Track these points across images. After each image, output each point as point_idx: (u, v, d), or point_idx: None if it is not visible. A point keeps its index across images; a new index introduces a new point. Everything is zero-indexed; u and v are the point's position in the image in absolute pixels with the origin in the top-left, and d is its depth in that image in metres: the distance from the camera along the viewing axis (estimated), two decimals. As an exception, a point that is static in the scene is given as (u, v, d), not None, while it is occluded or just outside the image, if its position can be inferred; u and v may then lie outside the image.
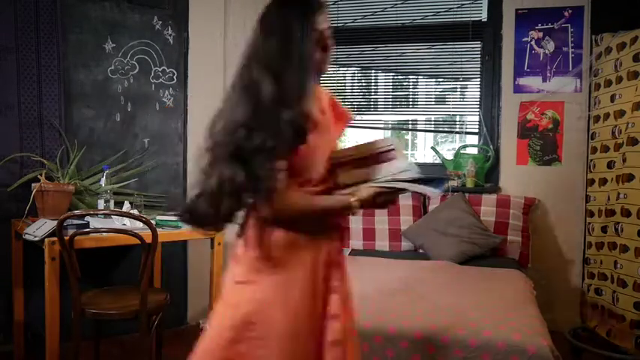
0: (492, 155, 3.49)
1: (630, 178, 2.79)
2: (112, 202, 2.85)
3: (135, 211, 2.72)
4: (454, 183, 3.44)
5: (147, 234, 2.14)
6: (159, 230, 2.45)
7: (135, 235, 2.11)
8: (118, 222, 2.38)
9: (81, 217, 2.27)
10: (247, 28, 3.55)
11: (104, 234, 2.22)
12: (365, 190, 1.24)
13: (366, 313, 1.96)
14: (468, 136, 3.74)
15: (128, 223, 2.36)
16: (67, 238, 2.05)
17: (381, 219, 3.46)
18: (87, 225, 2.25)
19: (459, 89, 3.86)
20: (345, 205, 1.23)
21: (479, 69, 3.62)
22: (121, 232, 2.17)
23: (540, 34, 3.40)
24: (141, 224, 2.18)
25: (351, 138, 7.84)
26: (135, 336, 2.26)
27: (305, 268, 1.25)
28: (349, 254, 3.26)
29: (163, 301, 2.30)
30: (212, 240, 2.54)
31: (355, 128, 4.30)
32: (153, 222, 2.21)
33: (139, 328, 2.17)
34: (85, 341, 2.58)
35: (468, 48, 3.67)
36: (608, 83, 3.09)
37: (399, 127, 4.88)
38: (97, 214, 2.43)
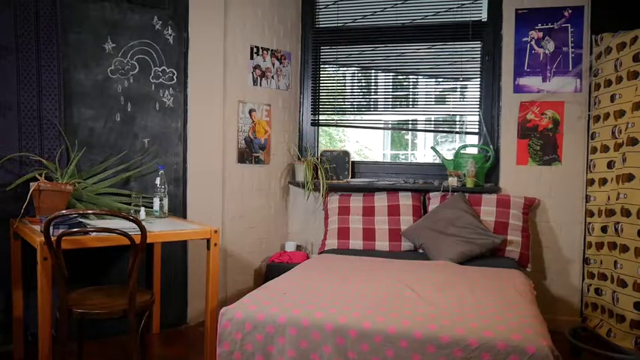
0: (492, 155, 3.49)
1: (630, 178, 2.79)
2: (166, 201, 2.87)
3: (144, 214, 2.73)
4: (454, 183, 3.44)
5: (145, 233, 2.14)
6: (159, 230, 2.46)
7: (124, 234, 2.10)
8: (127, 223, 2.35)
9: (83, 216, 2.26)
10: (247, 28, 3.57)
11: (95, 234, 2.20)
12: None
13: (366, 313, 1.96)
14: (468, 136, 3.75)
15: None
16: (54, 238, 2.04)
17: (381, 219, 3.46)
18: (79, 224, 2.24)
19: (459, 89, 3.86)
20: None
21: (479, 69, 3.62)
22: (112, 232, 2.15)
23: (540, 34, 3.40)
24: (134, 225, 2.15)
25: (352, 138, 7.86)
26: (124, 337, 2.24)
27: None
28: (349, 254, 3.26)
29: (149, 301, 2.29)
30: (208, 241, 2.53)
31: (355, 128, 4.30)
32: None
33: (128, 329, 2.16)
34: (85, 342, 2.59)
35: (468, 48, 3.67)
36: (608, 83, 3.09)
37: (399, 127, 4.88)
38: (86, 214, 2.42)
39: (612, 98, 3.04)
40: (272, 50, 3.72)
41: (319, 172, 3.74)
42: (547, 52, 3.39)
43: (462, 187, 3.45)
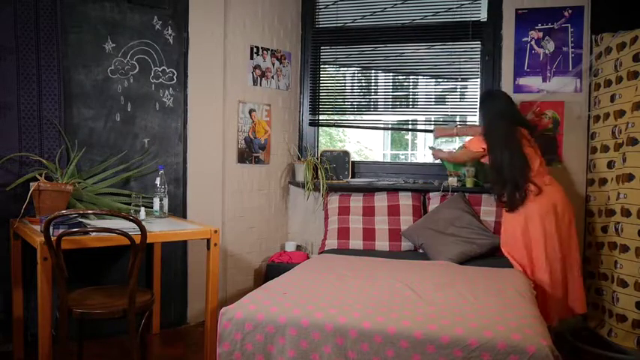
0: (492, 155, 3.48)
1: (630, 178, 2.79)
2: (165, 201, 2.87)
3: (143, 214, 2.72)
4: (454, 183, 3.43)
5: (145, 233, 2.13)
6: (159, 230, 2.46)
7: (124, 234, 2.10)
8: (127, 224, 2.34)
9: (83, 216, 2.25)
10: (247, 28, 3.57)
11: (95, 234, 2.19)
12: None
13: (366, 313, 1.96)
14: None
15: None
16: (54, 238, 2.03)
17: (381, 219, 3.46)
18: (79, 224, 2.24)
19: (458, 89, 3.86)
20: None
21: (479, 69, 3.62)
22: (112, 232, 2.15)
23: (540, 34, 3.40)
24: (134, 225, 2.15)
25: (352, 138, 7.86)
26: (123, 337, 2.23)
27: None
28: (349, 254, 3.26)
29: (149, 301, 2.29)
30: (208, 241, 2.53)
31: (355, 128, 4.29)
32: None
33: (128, 329, 2.16)
34: (85, 342, 2.59)
35: (468, 48, 3.67)
36: (608, 83, 3.09)
37: (399, 128, 4.88)
38: (86, 214, 2.41)
39: (612, 98, 3.04)
40: (272, 50, 3.72)
41: (319, 172, 3.74)
42: (547, 52, 3.39)
43: (461, 187, 3.44)
